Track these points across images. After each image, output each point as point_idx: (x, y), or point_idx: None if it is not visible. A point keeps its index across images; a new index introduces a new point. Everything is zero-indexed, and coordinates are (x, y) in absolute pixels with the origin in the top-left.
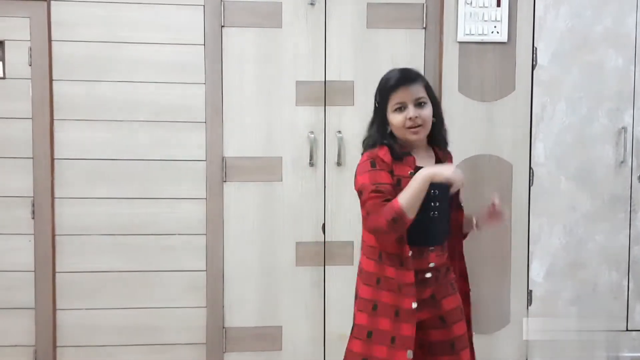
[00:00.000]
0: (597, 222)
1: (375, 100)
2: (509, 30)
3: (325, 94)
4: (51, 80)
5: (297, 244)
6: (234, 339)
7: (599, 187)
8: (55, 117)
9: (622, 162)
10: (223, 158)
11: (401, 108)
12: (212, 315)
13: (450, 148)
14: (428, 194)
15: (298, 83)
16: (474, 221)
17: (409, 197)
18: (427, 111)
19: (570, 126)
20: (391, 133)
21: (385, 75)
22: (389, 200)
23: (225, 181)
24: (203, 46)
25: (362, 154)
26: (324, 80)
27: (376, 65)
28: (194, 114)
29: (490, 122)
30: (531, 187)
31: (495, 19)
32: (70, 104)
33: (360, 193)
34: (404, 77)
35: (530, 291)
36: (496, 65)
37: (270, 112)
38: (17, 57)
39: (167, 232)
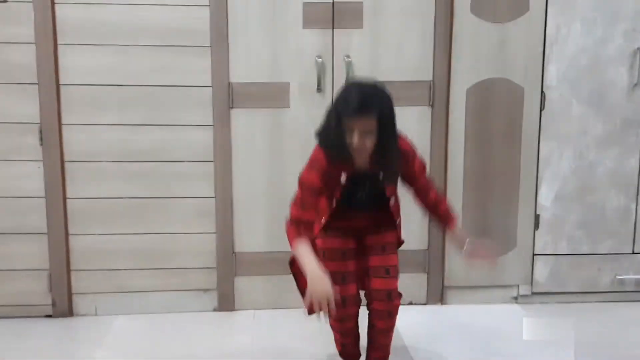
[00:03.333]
0: (608, 147)
1: (334, 109)
2: None
3: (334, 15)
4: (53, 3)
5: None
6: (244, 263)
7: (611, 110)
8: (59, 42)
9: (635, 84)
10: (229, 84)
11: (352, 130)
12: (222, 241)
13: (461, 72)
14: (354, 187)
15: (305, 4)
16: (465, 247)
17: (298, 256)
18: (372, 141)
19: (584, 48)
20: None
21: (344, 93)
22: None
23: (232, 107)
24: None
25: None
26: (331, 0)
27: None
28: (198, 38)
29: (502, 44)
30: (542, 111)
31: None
32: (73, 29)
33: (299, 183)
34: (360, 108)
35: (538, 215)
36: None
37: (277, 36)
38: None
39: (176, 159)
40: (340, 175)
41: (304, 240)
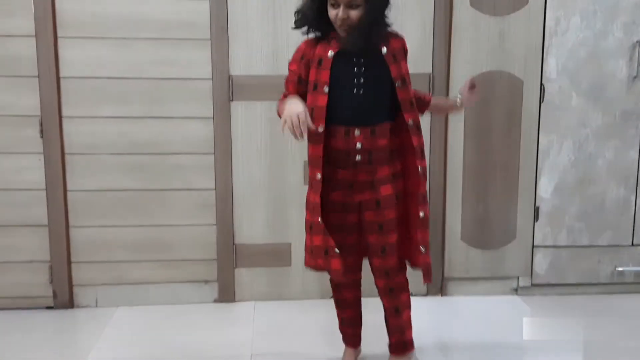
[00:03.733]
0: (608, 139)
1: None
2: None
3: None
4: None
5: (305, 162)
6: (244, 255)
7: (610, 103)
8: (59, 35)
9: (635, 77)
10: (229, 77)
11: (334, 4)
12: (222, 232)
13: (460, 64)
14: (352, 71)
15: None
16: (458, 101)
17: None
18: (357, 13)
19: (584, 40)
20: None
21: None
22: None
23: (232, 100)
24: None
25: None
26: None
27: None
28: (199, 31)
29: (501, 37)
30: (542, 104)
31: None
32: (73, 21)
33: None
34: None
35: (538, 207)
36: None
37: (277, 28)
38: None
39: (176, 151)
40: (323, 59)
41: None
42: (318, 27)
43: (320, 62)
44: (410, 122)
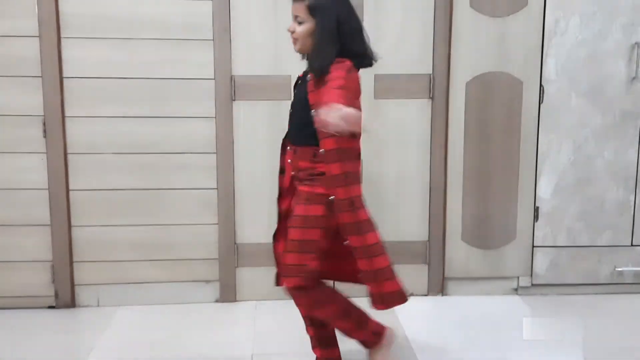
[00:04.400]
0: (607, 139)
1: None
2: None
3: None
4: None
5: None
6: (246, 254)
7: (609, 103)
8: (62, 36)
9: (634, 77)
10: (232, 77)
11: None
12: (224, 232)
13: (460, 65)
14: (293, 93)
15: None
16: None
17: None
18: (301, 29)
19: (583, 42)
20: None
21: None
22: None
23: (234, 100)
24: None
25: None
26: None
27: None
28: (201, 31)
29: (501, 38)
30: (541, 104)
31: None
32: (76, 22)
33: None
34: None
35: (537, 207)
36: None
37: (278, 29)
38: None
39: (178, 150)
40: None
41: None
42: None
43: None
44: (321, 150)
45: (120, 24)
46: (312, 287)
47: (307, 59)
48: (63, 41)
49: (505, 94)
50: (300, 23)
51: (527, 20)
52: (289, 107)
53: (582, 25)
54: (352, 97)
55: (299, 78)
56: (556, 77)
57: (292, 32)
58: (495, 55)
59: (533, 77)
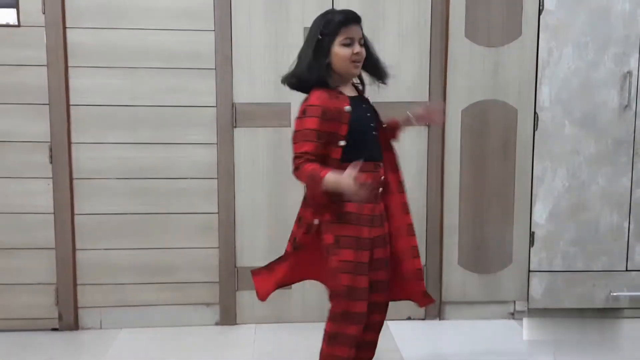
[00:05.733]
0: (600, 166)
1: (319, 32)
2: None
3: None
4: (64, 27)
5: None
6: (246, 278)
7: (603, 131)
8: (69, 64)
9: (626, 106)
10: (233, 104)
11: (349, 44)
12: (224, 256)
13: (456, 93)
14: (366, 117)
15: (305, 29)
16: (412, 117)
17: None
18: (364, 51)
19: (576, 71)
20: (327, 65)
21: (329, 12)
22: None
23: (235, 127)
24: None
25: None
26: None
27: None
28: (204, 61)
29: (496, 67)
30: (536, 132)
31: None
32: (83, 52)
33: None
34: (354, 16)
35: (533, 232)
36: (503, 10)
37: (278, 58)
38: (31, 5)
39: (180, 176)
40: (340, 113)
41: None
42: (321, 74)
43: (340, 114)
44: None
45: (126, 54)
46: None
47: (373, 75)
48: (70, 70)
49: (501, 121)
50: (362, 44)
51: (521, 50)
52: (361, 130)
53: (575, 54)
54: None
55: (345, 100)
56: (550, 105)
57: (358, 53)
58: (490, 84)
59: (527, 105)
